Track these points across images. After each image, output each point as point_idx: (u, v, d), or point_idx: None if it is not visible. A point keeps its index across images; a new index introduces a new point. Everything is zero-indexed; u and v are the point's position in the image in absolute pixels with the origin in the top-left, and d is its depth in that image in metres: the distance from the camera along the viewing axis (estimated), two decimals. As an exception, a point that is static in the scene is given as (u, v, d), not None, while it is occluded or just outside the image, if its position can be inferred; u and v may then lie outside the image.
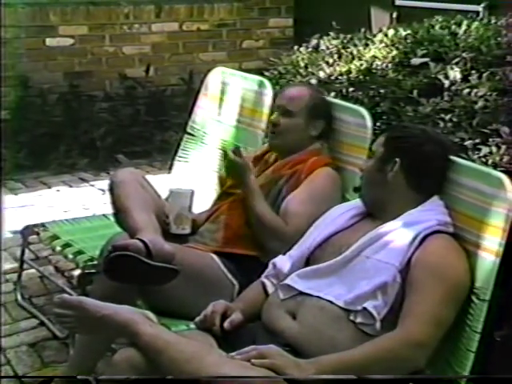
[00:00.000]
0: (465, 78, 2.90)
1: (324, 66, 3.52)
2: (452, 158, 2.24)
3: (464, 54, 3.05)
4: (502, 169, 2.29)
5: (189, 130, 3.62)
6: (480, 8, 4.48)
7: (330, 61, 3.57)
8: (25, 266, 3.49)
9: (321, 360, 1.92)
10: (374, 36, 3.75)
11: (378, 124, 2.86)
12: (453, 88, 2.88)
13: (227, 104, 3.47)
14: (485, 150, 2.44)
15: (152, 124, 5.86)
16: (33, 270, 3.59)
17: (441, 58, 3.16)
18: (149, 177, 2.86)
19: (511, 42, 3.09)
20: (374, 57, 3.42)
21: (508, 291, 2.19)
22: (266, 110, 3.19)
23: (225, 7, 6.31)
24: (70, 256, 3.04)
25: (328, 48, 3.81)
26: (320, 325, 2.03)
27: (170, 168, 3.64)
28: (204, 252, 2.64)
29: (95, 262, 2.80)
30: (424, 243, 2.05)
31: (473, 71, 2.91)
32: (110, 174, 3.18)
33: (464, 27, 3.42)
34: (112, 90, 5.92)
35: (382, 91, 3.09)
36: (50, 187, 5.09)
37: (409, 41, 3.45)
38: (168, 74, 6.15)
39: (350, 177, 2.75)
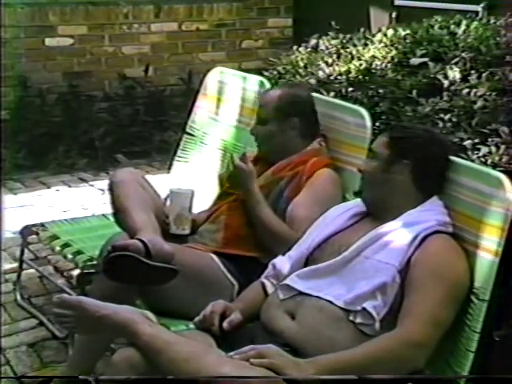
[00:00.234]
0: (464, 78, 2.90)
1: (323, 65, 3.52)
2: (451, 157, 2.25)
3: (463, 54, 3.05)
4: (501, 169, 2.29)
5: (188, 130, 3.62)
6: (479, 8, 4.48)
7: (330, 61, 3.57)
8: (24, 265, 3.48)
9: (320, 359, 1.92)
10: (374, 36, 3.74)
11: (377, 124, 2.86)
12: (452, 88, 2.88)
13: (226, 104, 3.47)
14: (484, 149, 2.44)
15: (151, 124, 5.86)
16: (32, 270, 3.59)
17: (440, 57, 3.16)
18: (148, 177, 2.86)
19: (510, 42, 3.09)
20: (374, 57, 3.42)
21: (507, 291, 2.19)
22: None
23: (224, 7, 6.30)
24: (70, 256, 3.04)
25: (327, 48, 3.81)
26: (319, 325, 2.03)
27: (170, 168, 3.64)
28: (203, 252, 2.64)
29: (94, 262, 2.80)
30: (423, 243, 2.05)
31: (472, 71, 2.91)
32: (110, 174, 3.18)
33: (463, 27, 3.42)
34: (111, 89, 5.92)
35: (381, 91, 3.09)
36: (49, 187, 5.09)
37: (408, 41, 3.45)
38: (167, 73, 6.14)
39: (349, 177, 2.75)
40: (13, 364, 2.93)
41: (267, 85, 3.30)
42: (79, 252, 3.02)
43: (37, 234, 3.34)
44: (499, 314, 2.19)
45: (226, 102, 3.48)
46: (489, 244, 2.05)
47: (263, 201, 2.63)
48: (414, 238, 2.06)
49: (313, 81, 3.41)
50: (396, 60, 3.32)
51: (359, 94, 3.13)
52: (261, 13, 6.49)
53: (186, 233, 2.77)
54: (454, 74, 2.93)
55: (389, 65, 3.31)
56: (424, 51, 3.25)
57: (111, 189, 2.69)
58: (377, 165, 2.23)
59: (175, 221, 2.75)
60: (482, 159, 2.41)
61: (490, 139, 2.48)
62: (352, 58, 3.51)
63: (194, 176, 3.44)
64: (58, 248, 3.13)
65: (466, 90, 2.79)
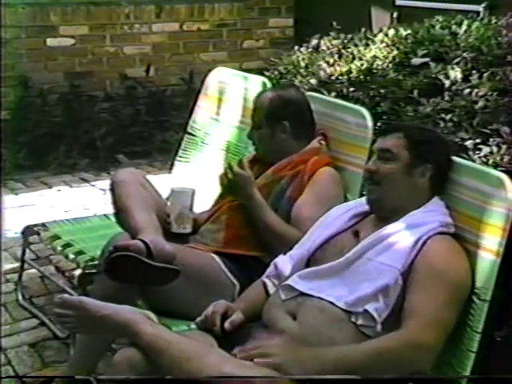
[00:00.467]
0: (465, 78, 2.90)
1: (324, 66, 3.52)
2: (452, 157, 2.25)
3: (464, 54, 3.05)
4: (503, 169, 2.28)
5: (189, 130, 3.62)
6: (480, 8, 4.48)
7: (331, 61, 3.57)
8: (25, 265, 3.49)
9: (326, 354, 1.92)
10: (375, 36, 3.74)
11: (378, 124, 2.86)
12: (453, 88, 2.88)
13: (228, 104, 3.47)
14: (485, 149, 2.44)
15: (152, 124, 5.86)
16: (33, 270, 3.59)
17: (441, 57, 3.16)
18: (149, 177, 2.85)
19: (511, 42, 3.09)
20: (375, 57, 3.42)
21: (508, 291, 2.19)
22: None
23: (225, 7, 6.30)
24: (71, 256, 3.04)
25: (328, 48, 3.81)
26: (320, 326, 2.03)
27: (171, 168, 3.64)
28: (205, 252, 2.64)
29: (96, 262, 2.80)
30: (426, 246, 2.05)
31: (473, 71, 2.91)
32: (111, 174, 3.18)
33: (464, 27, 3.42)
34: (112, 90, 5.92)
35: (382, 91, 3.09)
36: (50, 187, 5.09)
37: (409, 41, 3.45)
38: (168, 74, 6.14)
39: (350, 177, 2.75)
40: (14, 364, 2.93)
41: (268, 85, 3.30)
42: (80, 252, 3.02)
43: (38, 234, 3.34)
44: (500, 314, 2.19)
45: (227, 102, 3.49)
46: (490, 244, 2.04)
47: (265, 204, 2.63)
48: (417, 241, 2.05)
49: (314, 81, 3.41)
50: (397, 60, 3.32)
51: (360, 94, 3.13)
52: (262, 13, 6.49)
53: (187, 231, 2.77)
54: (456, 73, 2.92)
55: (390, 65, 3.31)
56: (425, 51, 3.25)
57: (112, 189, 2.69)
58: (396, 167, 2.17)
59: (176, 220, 2.75)
60: (484, 159, 2.41)
61: (491, 139, 2.47)
62: (353, 58, 3.51)
63: (195, 176, 3.44)
64: (59, 248, 3.13)
65: (468, 90, 2.79)
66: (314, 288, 2.11)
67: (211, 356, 1.88)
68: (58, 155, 5.44)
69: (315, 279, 2.14)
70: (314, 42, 3.98)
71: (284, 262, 2.30)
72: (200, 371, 1.81)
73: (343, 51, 3.66)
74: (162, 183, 3.08)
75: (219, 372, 1.80)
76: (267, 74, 3.75)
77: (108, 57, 5.91)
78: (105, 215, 3.48)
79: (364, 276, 2.05)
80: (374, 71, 3.32)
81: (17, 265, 3.58)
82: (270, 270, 2.33)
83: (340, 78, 3.36)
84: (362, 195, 2.59)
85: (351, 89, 3.21)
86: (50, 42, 5.67)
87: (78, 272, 3.16)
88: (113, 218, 2.87)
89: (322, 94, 3.18)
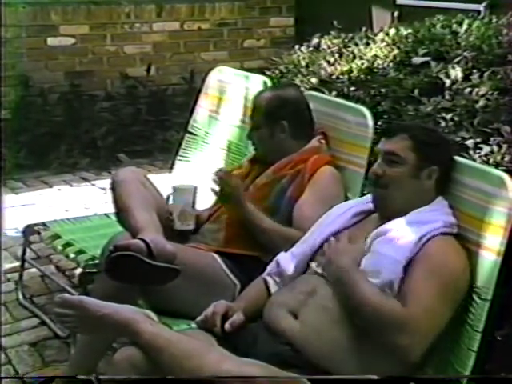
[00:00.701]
0: (466, 77, 2.90)
1: (325, 65, 3.52)
2: (455, 157, 2.25)
3: (465, 53, 3.04)
4: (504, 168, 2.28)
5: (190, 129, 3.62)
6: (481, 7, 4.48)
7: (331, 60, 3.56)
8: (26, 265, 3.48)
9: (351, 272, 2.03)
10: (375, 35, 3.74)
11: (379, 123, 2.85)
12: (454, 87, 2.87)
13: (228, 103, 3.47)
14: (486, 149, 2.43)
15: (153, 123, 5.85)
16: (34, 270, 3.59)
17: (442, 57, 3.15)
18: (150, 176, 2.85)
19: (512, 41, 3.09)
20: (375, 56, 3.42)
21: (509, 290, 2.19)
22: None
23: (226, 6, 6.30)
24: (71, 255, 3.04)
25: (329, 47, 3.81)
26: (322, 325, 2.03)
27: (171, 167, 3.64)
28: (205, 252, 2.64)
29: (96, 261, 2.80)
30: (428, 244, 2.05)
31: (474, 70, 2.91)
32: (112, 174, 3.18)
33: (465, 26, 3.42)
34: (113, 89, 5.92)
35: (383, 90, 3.08)
36: (51, 186, 5.09)
37: (410, 40, 3.45)
38: (169, 73, 6.14)
39: (351, 176, 2.74)
40: (14, 363, 2.92)
41: (269, 84, 3.30)
42: (81, 251, 3.02)
43: (38, 233, 3.34)
44: (501, 314, 2.19)
45: (227, 101, 3.48)
46: (491, 243, 2.04)
47: (257, 210, 2.62)
48: (421, 238, 2.05)
49: (315, 80, 3.41)
50: (398, 59, 3.32)
51: (361, 93, 3.13)
52: (263, 12, 6.48)
53: (190, 228, 2.77)
54: (456, 73, 2.92)
55: (391, 64, 3.31)
56: (426, 50, 3.25)
57: (113, 188, 2.69)
58: (404, 171, 2.16)
59: (179, 217, 2.75)
60: (484, 158, 2.41)
61: (492, 138, 2.47)
62: (354, 58, 3.50)
63: (196, 175, 3.43)
64: (59, 247, 3.13)
65: (468, 89, 2.79)
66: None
67: (211, 354, 1.88)
68: (58, 154, 5.44)
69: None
70: (315, 41, 3.97)
71: (286, 260, 2.30)
72: (200, 369, 1.81)
73: (344, 50, 3.66)
74: (163, 182, 3.08)
75: (219, 369, 1.80)
76: (268, 73, 3.75)
77: (108, 56, 5.90)
78: (105, 214, 3.48)
79: (370, 269, 2.04)
80: (375, 70, 3.32)
81: (17, 264, 3.58)
82: (272, 267, 2.33)
83: (341, 77, 3.36)
84: (362, 194, 2.59)
85: (352, 88, 3.21)
86: (50, 41, 5.67)
87: (78, 271, 3.16)
88: (113, 217, 2.87)
89: (323, 93, 3.18)
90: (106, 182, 4.64)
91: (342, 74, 3.38)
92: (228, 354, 1.91)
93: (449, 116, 2.69)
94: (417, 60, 3.22)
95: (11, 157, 5.20)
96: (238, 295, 2.48)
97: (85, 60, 5.81)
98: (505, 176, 2.08)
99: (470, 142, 2.50)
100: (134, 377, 1.92)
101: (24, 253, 3.44)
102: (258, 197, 2.70)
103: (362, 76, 3.31)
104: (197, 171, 3.48)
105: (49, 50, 5.68)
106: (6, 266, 3.70)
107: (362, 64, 3.39)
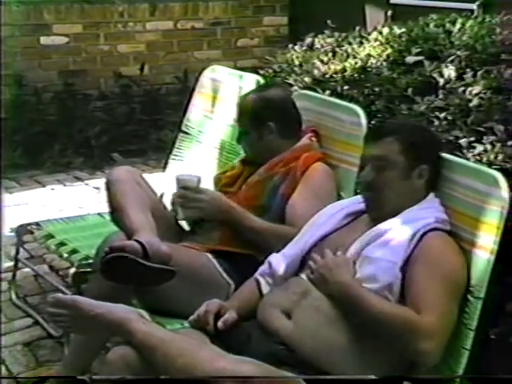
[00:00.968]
0: (459, 76, 2.90)
1: (319, 64, 3.52)
2: (447, 156, 2.25)
3: (459, 52, 3.05)
4: (497, 167, 2.29)
5: (184, 128, 3.62)
6: (474, 6, 4.47)
7: (325, 59, 3.56)
8: (19, 264, 3.48)
9: (353, 287, 2.00)
10: (369, 34, 3.74)
11: (372, 122, 2.85)
12: (447, 86, 2.88)
13: (222, 102, 3.47)
14: (479, 148, 2.44)
15: (147, 123, 5.85)
16: (27, 269, 3.58)
17: (435, 56, 3.15)
18: (144, 175, 2.85)
19: (506, 40, 3.09)
20: (369, 55, 3.42)
21: (502, 289, 2.19)
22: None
23: (219, 5, 6.30)
24: (65, 255, 3.03)
25: (323, 46, 3.81)
26: (316, 326, 2.03)
27: (165, 167, 3.63)
28: (200, 252, 2.63)
29: (90, 261, 2.79)
30: (422, 240, 2.05)
31: (467, 69, 2.91)
32: (106, 173, 3.17)
33: (458, 25, 3.43)
34: (107, 88, 5.91)
35: (376, 89, 3.09)
36: (44, 186, 5.08)
37: (403, 39, 3.45)
38: (163, 72, 6.14)
39: (344, 174, 2.75)
40: (8, 363, 2.92)
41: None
42: (74, 251, 3.01)
43: (32, 232, 3.33)
44: (494, 312, 2.19)
45: (221, 100, 3.48)
46: (484, 242, 2.05)
47: (245, 211, 2.62)
48: (414, 235, 2.05)
49: (308, 79, 3.41)
50: (391, 58, 3.32)
51: (355, 93, 3.13)
52: (256, 11, 6.48)
53: (195, 216, 2.73)
54: (450, 72, 2.92)
55: (384, 63, 3.31)
56: (419, 49, 3.25)
57: (108, 187, 2.68)
58: (394, 174, 2.14)
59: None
60: (478, 157, 2.41)
61: (485, 137, 2.47)
62: (347, 57, 3.50)
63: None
64: (53, 247, 3.13)
65: (462, 89, 2.79)
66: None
67: (205, 352, 1.88)
68: (52, 154, 5.43)
69: None
70: (309, 40, 3.97)
71: (278, 261, 2.30)
72: (194, 367, 1.81)
73: (337, 49, 3.65)
74: (157, 182, 3.08)
75: (213, 368, 1.79)
76: (262, 72, 3.75)
77: (102, 55, 5.89)
78: (99, 214, 3.47)
79: (366, 275, 2.04)
80: (369, 69, 3.32)
81: (11, 264, 3.56)
82: (264, 268, 2.33)
83: (334, 76, 3.36)
84: (356, 193, 2.59)
85: (345, 87, 3.21)
86: (43, 40, 5.66)
87: (71, 271, 3.15)
88: (107, 217, 2.86)
89: (317, 92, 3.18)
90: (99, 182, 4.64)
91: (336, 73, 3.38)
92: (222, 353, 1.91)
93: (442, 115, 2.69)
94: (410, 59, 3.22)
95: (5, 156, 5.18)
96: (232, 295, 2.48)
97: (78, 59, 5.80)
98: (498, 175, 2.08)
99: (463, 141, 2.51)
100: (128, 377, 1.92)
101: (17, 252, 3.43)
102: (251, 195, 2.71)
103: (356, 75, 3.31)
104: (190, 170, 3.46)
105: (42, 49, 5.67)
106: (0, 265, 3.69)
107: (356, 63, 3.39)
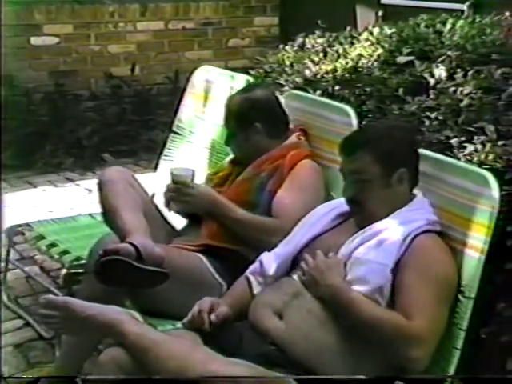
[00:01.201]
0: (450, 77, 2.91)
1: (310, 64, 3.52)
2: (438, 156, 2.26)
3: (449, 53, 3.05)
4: (487, 167, 2.29)
5: (175, 128, 3.61)
6: (465, 6, 4.49)
7: (316, 59, 3.57)
8: (10, 266, 3.47)
9: (344, 291, 1.99)
10: (360, 34, 3.75)
11: (364, 122, 2.86)
12: (438, 86, 2.88)
13: (213, 102, 3.47)
14: (470, 147, 2.44)
15: (138, 123, 5.84)
16: (18, 271, 3.57)
17: (426, 56, 3.16)
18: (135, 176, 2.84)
19: (496, 40, 3.10)
20: (360, 55, 3.42)
21: (493, 289, 2.20)
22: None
23: (210, 6, 6.30)
24: (56, 256, 3.03)
25: (314, 46, 3.81)
26: (307, 327, 2.02)
27: (156, 167, 3.63)
28: (192, 253, 2.63)
29: (81, 262, 2.79)
30: (413, 244, 2.05)
31: (458, 69, 2.92)
32: (97, 173, 3.16)
33: (449, 26, 3.44)
34: (98, 88, 5.90)
35: (367, 89, 3.09)
36: (35, 187, 5.07)
37: (394, 39, 3.46)
38: (154, 72, 6.13)
39: (334, 175, 2.74)
40: (-1, 364, 2.91)
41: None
42: (65, 252, 3.01)
43: (23, 233, 3.33)
44: (486, 312, 2.20)
45: (212, 100, 3.48)
46: (475, 242, 2.05)
47: (230, 202, 2.63)
48: (405, 238, 2.05)
49: (299, 79, 3.41)
50: (382, 58, 3.33)
51: (346, 93, 3.13)
52: (247, 11, 6.49)
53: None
54: (440, 72, 2.93)
55: (375, 63, 3.31)
56: (410, 50, 3.26)
57: (100, 188, 2.67)
58: (373, 185, 2.14)
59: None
60: (468, 157, 2.41)
61: (476, 137, 2.48)
62: (338, 57, 3.51)
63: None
64: (44, 248, 3.12)
65: (452, 89, 2.79)
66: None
67: (197, 354, 1.88)
68: (43, 154, 5.42)
69: None
70: (300, 40, 3.98)
71: (269, 260, 2.29)
72: (186, 369, 1.81)
73: (328, 50, 3.66)
74: (148, 182, 3.07)
75: (205, 370, 1.79)
76: (252, 72, 3.75)
77: (93, 55, 5.89)
78: (90, 215, 3.47)
79: (356, 277, 2.04)
80: (360, 69, 3.33)
81: (1, 265, 3.55)
82: (256, 266, 2.32)
83: (325, 76, 3.36)
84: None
85: (337, 87, 3.21)
86: (34, 40, 5.65)
87: (63, 272, 3.14)
88: (98, 218, 2.86)
89: (308, 92, 3.18)
90: (90, 183, 4.63)
91: (327, 73, 3.38)
92: (214, 354, 1.90)
93: (433, 115, 2.70)
94: (401, 59, 3.22)
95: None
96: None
97: (69, 59, 5.80)
98: (488, 175, 2.09)
99: (454, 141, 2.51)
100: (120, 377, 1.92)
101: (8, 254, 3.42)
102: (240, 192, 2.72)
103: (347, 75, 3.31)
104: (182, 171, 3.46)
105: (32, 49, 5.66)
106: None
107: (347, 63, 3.39)
